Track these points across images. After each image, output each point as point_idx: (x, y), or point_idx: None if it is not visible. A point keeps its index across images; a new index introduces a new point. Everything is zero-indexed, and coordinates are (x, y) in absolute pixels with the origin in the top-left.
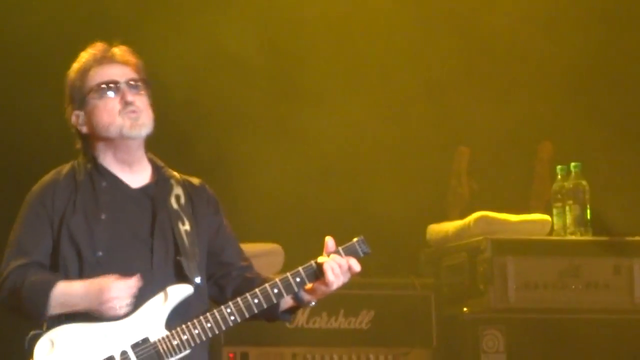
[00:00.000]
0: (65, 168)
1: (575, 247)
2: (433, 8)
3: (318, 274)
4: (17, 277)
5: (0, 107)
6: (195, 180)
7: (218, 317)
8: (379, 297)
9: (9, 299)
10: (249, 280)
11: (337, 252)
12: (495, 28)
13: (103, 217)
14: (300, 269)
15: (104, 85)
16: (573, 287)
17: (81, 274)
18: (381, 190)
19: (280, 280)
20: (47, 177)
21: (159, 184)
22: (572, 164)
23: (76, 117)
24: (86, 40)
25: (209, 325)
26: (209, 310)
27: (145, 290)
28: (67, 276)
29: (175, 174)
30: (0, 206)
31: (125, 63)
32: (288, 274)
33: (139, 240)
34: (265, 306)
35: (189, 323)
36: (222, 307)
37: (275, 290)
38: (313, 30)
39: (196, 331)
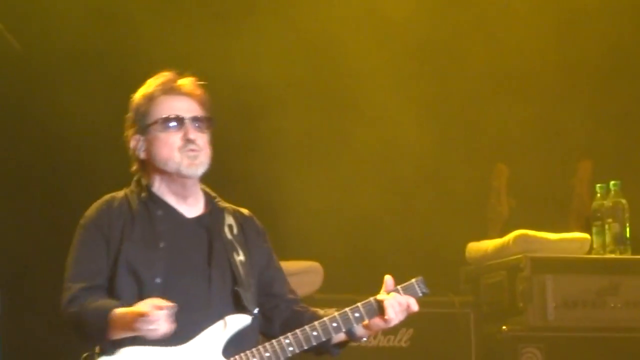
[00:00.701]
0: (119, 195)
1: (615, 266)
2: (470, 27)
3: (377, 310)
4: (81, 299)
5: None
6: (245, 211)
7: (277, 347)
8: (418, 315)
9: (73, 321)
10: (298, 314)
11: (396, 290)
12: (537, 45)
13: (161, 245)
14: (359, 304)
15: (167, 118)
16: (612, 305)
17: (140, 300)
18: (421, 208)
19: (339, 314)
20: (100, 203)
21: (213, 214)
22: (612, 182)
23: (136, 142)
24: (143, 70)
25: (267, 354)
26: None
27: (202, 318)
28: (124, 301)
29: (227, 204)
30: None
31: (191, 96)
32: (347, 309)
33: (196, 269)
34: (323, 339)
35: (247, 352)
36: (281, 337)
37: (334, 325)
38: (356, 60)
39: None
